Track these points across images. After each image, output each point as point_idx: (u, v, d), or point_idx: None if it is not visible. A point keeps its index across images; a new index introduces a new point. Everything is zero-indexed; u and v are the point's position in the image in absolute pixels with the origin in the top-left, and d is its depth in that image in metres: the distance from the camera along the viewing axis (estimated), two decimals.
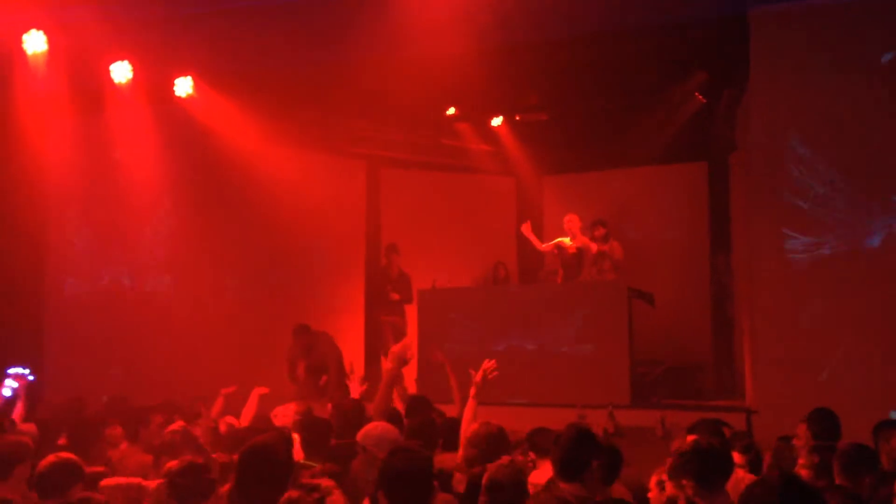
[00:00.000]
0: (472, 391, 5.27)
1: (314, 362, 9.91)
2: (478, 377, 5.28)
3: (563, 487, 3.73)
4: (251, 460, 3.21)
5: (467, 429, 4.92)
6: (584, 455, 3.77)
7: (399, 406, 6.34)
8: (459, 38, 8.55)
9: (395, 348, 5.62)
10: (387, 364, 5.53)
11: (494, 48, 9.18)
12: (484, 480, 3.77)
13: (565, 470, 3.74)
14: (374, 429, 4.59)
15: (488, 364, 5.34)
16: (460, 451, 4.85)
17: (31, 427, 6.09)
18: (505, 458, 3.96)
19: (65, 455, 4.30)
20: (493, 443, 4.47)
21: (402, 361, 5.60)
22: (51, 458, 4.21)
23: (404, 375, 6.10)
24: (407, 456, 3.37)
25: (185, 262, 10.51)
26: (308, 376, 9.85)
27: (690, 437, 5.18)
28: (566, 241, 10.72)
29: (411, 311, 11.35)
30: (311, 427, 4.93)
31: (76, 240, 10.03)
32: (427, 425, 5.07)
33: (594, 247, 10.64)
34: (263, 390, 7.14)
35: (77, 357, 9.86)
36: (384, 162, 12.99)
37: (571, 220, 10.75)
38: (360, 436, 4.54)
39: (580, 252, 10.65)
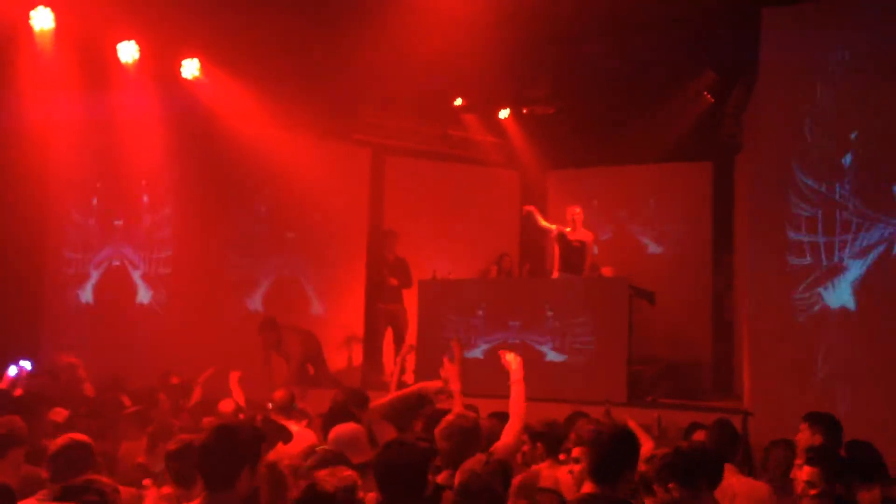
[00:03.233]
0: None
1: (291, 357, 9.98)
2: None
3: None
4: (213, 440, 3.24)
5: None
6: (621, 463, 3.58)
7: None
8: (469, 29, 8.53)
9: (434, 384, 5.60)
10: (415, 386, 5.48)
11: (504, 40, 9.15)
12: (455, 482, 3.60)
13: (599, 474, 3.56)
14: (345, 431, 4.50)
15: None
16: None
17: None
18: (480, 457, 3.84)
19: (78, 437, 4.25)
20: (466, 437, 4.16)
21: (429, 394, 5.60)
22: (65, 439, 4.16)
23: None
24: (401, 449, 3.35)
25: (186, 244, 10.50)
26: (291, 373, 9.88)
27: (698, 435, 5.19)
28: (568, 230, 10.64)
29: (410, 299, 11.30)
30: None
31: (77, 218, 10.02)
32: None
33: (592, 240, 10.64)
34: (237, 374, 7.21)
35: (74, 336, 9.86)
36: (389, 150, 12.94)
37: (575, 212, 10.67)
38: (331, 439, 4.46)
39: (583, 246, 10.59)
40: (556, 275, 10.68)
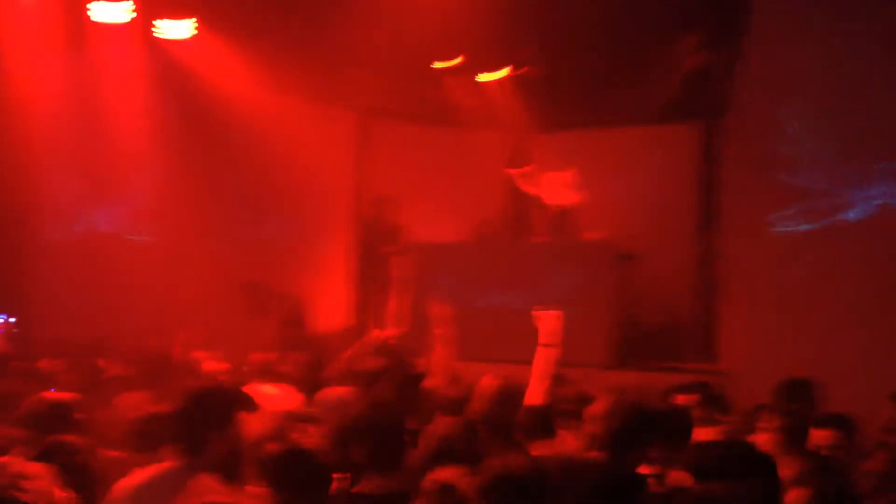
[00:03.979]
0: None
1: (273, 321, 10.04)
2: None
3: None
4: (184, 406, 3.27)
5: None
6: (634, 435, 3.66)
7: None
8: None
9: (383, 336, 5.61)
10: (367, 338, 5.42)
11: (487, 2, 9.06)
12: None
13: (610, 446, 3.64)
14: (332, 394, 4.51)
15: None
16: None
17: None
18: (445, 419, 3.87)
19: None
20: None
21: (372, 347, 5.60)
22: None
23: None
24: (378, 411, 3.38)
25: (169, 209, 10.41)
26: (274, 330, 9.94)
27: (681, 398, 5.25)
28: (555, 195, 10.60)
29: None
30: None
31: (60, 182, 9.95)
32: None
33: (577, 198, 10.55)
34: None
35: (60, 300, 9.85)
36: (374, 113, 12.85)
37: (567, 176, 10.62)
38: (316, 401, 4.48)
39: (571, 210, 10.55)
40: (543, 238, 10.67)
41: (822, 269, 7.88)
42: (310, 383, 4.70)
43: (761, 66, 8.47)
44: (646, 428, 3.72)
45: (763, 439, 4.44)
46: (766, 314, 8.16)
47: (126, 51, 9.62)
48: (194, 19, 9.71)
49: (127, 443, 4.35)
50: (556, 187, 10.57)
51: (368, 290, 11.72)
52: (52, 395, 4.19)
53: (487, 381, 4.25)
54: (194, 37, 9.83)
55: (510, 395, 4.15)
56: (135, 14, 9.26)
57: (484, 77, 12.14)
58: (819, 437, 4.13)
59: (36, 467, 2.81)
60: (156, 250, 10.48)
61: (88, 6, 9.17)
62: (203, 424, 3.17)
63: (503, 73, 11.97)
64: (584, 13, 9.60)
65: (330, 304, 12.05)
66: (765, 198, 8.19)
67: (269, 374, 6.08)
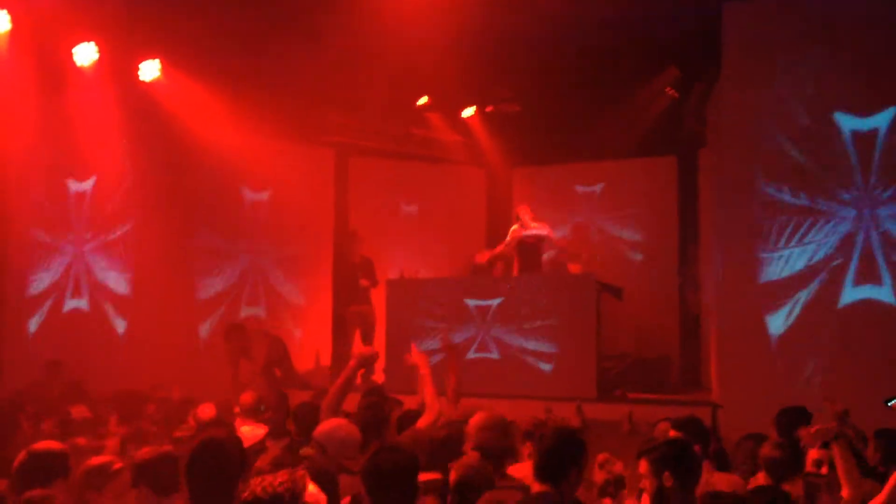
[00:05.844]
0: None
1: (256, 361, 9.94)
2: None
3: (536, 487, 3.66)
4: (202, 455, 3.18)
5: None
6: (565, 461, 3.60)
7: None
8: (433, 28, 8.50)
9: (363, 350, 5.49)
10: (351, 361, 5.29)
11: (468, 39, 9.13)
12: (452, 480, 3.73)
13: (543, 473, 3.60)
14: (337, 430, 4.36)
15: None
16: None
17: None
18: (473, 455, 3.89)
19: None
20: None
21: (365, 363, 5.51)
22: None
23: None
24: (392, 456, 3.31)
25: (147, 249, 10.26)
26: (257, 375, 9.82)
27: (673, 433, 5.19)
28: (514, 228, 10.68)
29: (379, 299, 11.21)
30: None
31: (35, 228, 9.84)
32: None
33: (550, 231, 10.65)
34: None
35: (35, 344, 9.70)
36: (354, 150, 12.84)
37: (523, 210, 10.72)
38: (319, 434, 4.32)
39: (537, 241, 10.59)
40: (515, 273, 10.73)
41: (805, 298, 7.96)
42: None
43: (733, 101, 8.59)
44: (573, 454, 3.68)
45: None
46: (745, 346, 8.19)
47: (101, 93, 9.53)
48: (157, 60, 9.68)
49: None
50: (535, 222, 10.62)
51: (346, 325, 11.60)
52: (42, 445, 4.04)
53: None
54: (169, 77, 9.78)
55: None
56: (98, 55, 9.20)
57: (464, 114, 12.22)
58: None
59: None
60: (135, 293, 10.31)
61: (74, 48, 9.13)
62: (224, 475, 3.09)
63: (483, 109, 12.07)
64: (561, 52, 9.72)
65: (313, 340, 11.94)
66: (744, 232, 8.26)
67: (257, 414, 6.01)
